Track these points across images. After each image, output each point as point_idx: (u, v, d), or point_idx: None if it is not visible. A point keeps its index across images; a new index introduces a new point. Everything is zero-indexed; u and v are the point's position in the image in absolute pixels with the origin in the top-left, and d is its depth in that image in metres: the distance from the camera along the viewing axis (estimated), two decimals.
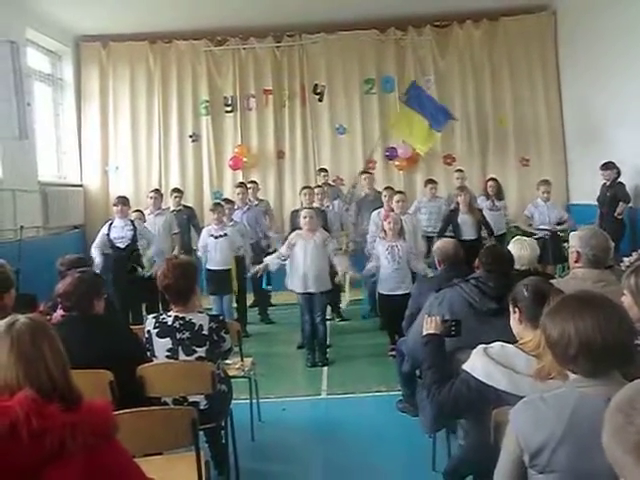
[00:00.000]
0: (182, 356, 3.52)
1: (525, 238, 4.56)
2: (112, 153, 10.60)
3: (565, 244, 6.91)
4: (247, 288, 8.07)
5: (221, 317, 3.83)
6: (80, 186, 10.42)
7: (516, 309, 2.60)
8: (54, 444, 1.61)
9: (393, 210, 7.23)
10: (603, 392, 1.70)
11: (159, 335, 3.56)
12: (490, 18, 10.49)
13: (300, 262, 6.32)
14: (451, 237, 6.97)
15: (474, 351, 2.51)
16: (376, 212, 7.72)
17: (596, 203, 8.08)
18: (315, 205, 7.53)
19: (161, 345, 3.54)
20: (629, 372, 1.81)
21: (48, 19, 9.26)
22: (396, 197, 7.37)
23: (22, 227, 7.47)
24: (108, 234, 7.29)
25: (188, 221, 8.75)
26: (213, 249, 7.19)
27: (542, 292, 2.51)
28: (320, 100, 10.62)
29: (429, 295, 3.83)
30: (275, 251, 7.10)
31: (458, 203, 7.99)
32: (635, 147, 7.78)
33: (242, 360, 4.60)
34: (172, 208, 8.59)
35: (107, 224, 7.50)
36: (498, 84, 10.53)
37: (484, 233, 7.96)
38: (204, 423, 3.26)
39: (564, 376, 1.93)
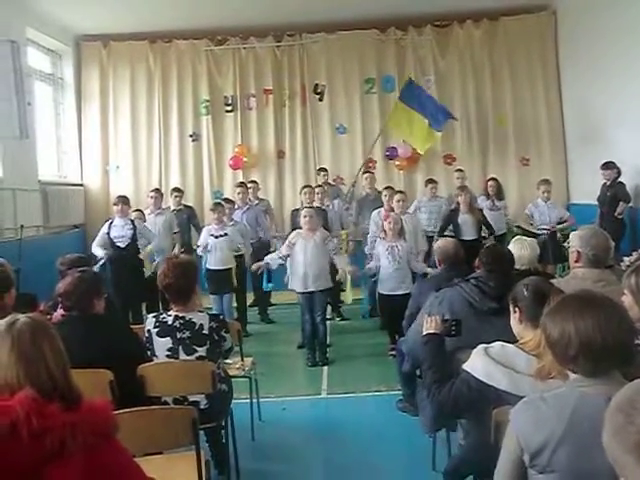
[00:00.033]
0: (182, 355, 3.52)
1: (525, 238, 4.56)
2: (112, 152, 10.60)
3: (565, 244, 6.91)
4: (247, 287, 8.07)
5: (221, 316, 3.83)
6: (80, 185, 10.42)
7: (516, 309, 2.60)
8: (54, 443, 1.61)
9: (393, 210, 7.24)
10: (603, 392, 1.70)
11: (159, 334, 3.56)
12: (490, 18, 10.49)
13: (300, 261, 6.32)
14: (451, 237, 6.98)
15: (474, 351, 2.51)
16: (376, 212, 7.72)
17: (596, 203, 8.08)
18: (315, 204, 7.54)
19: (161, 344, 3.54)
20: (629, 372, 1.81)
21: (48, 18, 9.26)
22: (396, 197, 7.37)
23: (22, 226, 7.47)
24: (108, 233, 7.31)
25: (188, 220, 8.76)
26: (213, 249, 7.19)
27: (542, 292, 2.51)
28: (320, 100, 10.62)
29: (429, 295, 3.83)
30: (275, 250, 7.12)
31: (459, 203, 7.99)
32: (635, 147, 7.78)
33: (242, 360, 4.60)
34: (172, 208, 8.59)
35: (107, 223, 7.51)
36: (498, 84, 10.53)
37: (484, 233, 7.97)
38: (204, 423, 3.26)
39: (564, 376, 1.93)
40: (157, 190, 8.65)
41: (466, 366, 2.50)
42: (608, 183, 7.89)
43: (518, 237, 4.61)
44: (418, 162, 10.47)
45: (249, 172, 10.45)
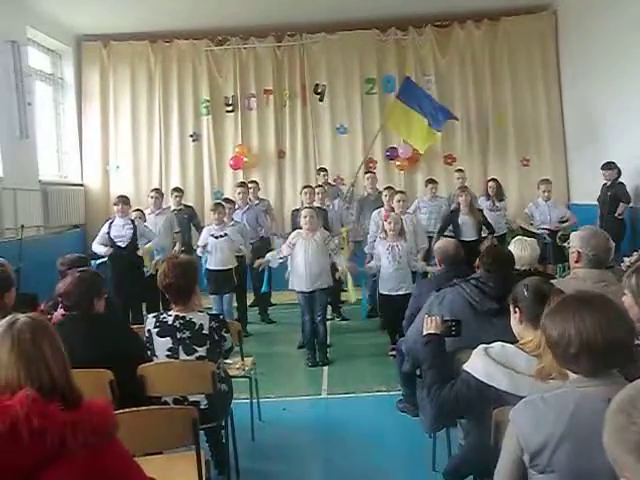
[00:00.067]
0: (182, 355, 3.52)
1: (526, 238, 4.56)
2: (113, 152, 10.61)
3: (565, 244, 6.92)
4: (247, 288, 8.07)
5: (221, 316, 3.83)
6: (81, 185, 10.43)
7: (516, 309, 2.60)
8: (54, 443, 1.61)
9: (393, 210, 7.24)
10: (604, 392, 1.70)
11: (159, 334, 3.56)
12: (491, 18, 10.50)
13: (301, 261, 6.32)
14: (451, 237, 6.99)
15: (474, 351, 2.51)
16: (376, 212, 7.73)
17: (596, 203, 8.08)
18: (316, 204, 7.54)
19: (161, 344, 3.54)
20: (630, 372, 1.81)
21: (49, 18, 9.27)
22: (397, 197, 7.37)
23: (23, 226, 7.48)
24: (109, 233, 7.31)
25: (189, 220, 8.77)
26: (213, 249, 7.19)
27: (542, 292, 2.51)
28: (321, 100, 10.63)
29: (429, 295, 3.83)
30: (275, 248, 7.14)
31: (459, 203, 7.99)
32: (635, 147, 7.77)
33: (242, 360, 4.60)
34: (173, 207, 8.59)
35: (107, 223, 7.51)
36: (499, 84, 10.54)
37: (485, 233, 7.96)
38: (204, 423, 3.26)
39: (564, 376, 1.93)
40: (157, 190, 8.65)
41: (466, 366, 2.50)
42: (608, 183, 7.90)
43: (519, 237, 4.61)
44: (418, 162, 10.48)
45: (249, 172, 10.46)
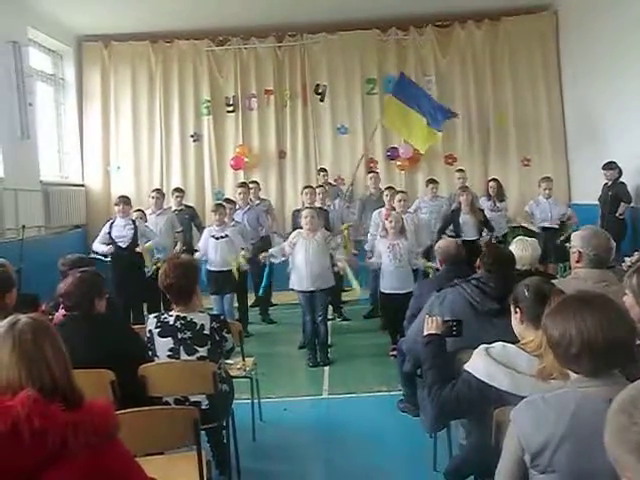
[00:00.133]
0: (183, 356, 3.53)
1: (527, 238, 4.56)
2: (114, 153, 10.61)
3: (567, 244, 6.92)
4: (248, 288, 8.07)
5: (222, 317, 3.83)
6: (82, 186, 10.43)
7: (517, 309, 2.60)
8: (56, 443, 1.61)
9: (394, 209, 7.25)
10: (604, 392, 1.70)
11: (161, 335, 3.56)
12: (491, 18, 10.49)
13: (302, 261, 6.33)
14: (452, 237, 7.00)
15: (475, 351, 2.51)
16: (377, 212, 7.74)
17: (597, 203, 8.08)
18: (317, 205, 7.54)
19: (162, 345, 3.55)
20: (631, 372, 1.81)
21: (50, 19, 9.27)
22: (398, 196, 7.39)
23: (24, 227, 7.48)
24: (110, 233, 7.32)
25: (190, 220, 8.78)
26: (214, 250, 7.18)
27: (543, 292, 2.51)
28: (321, 100, 10.63)
29: (430, 295, 3.83)
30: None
31: (460, 203, 7.99)
32: (636, 147, 7.77)
33: (243, 360, 4.60)
34: (174, 208, 8.60)
35: (108, 223, 7.52)
36: (499, 84, 10.53)
37: (485, 233, 7.96)
38: (206, 423, 3.26)
39: (565, 376, 1.93)
40: (158, 190, 8.66)
41: (467, 366, 2.50)
42: (609, 183, 7.89)
43: (519, 237, 4.60)
44: (419, 162, 10.48)
45: (250, 172, 10.46)
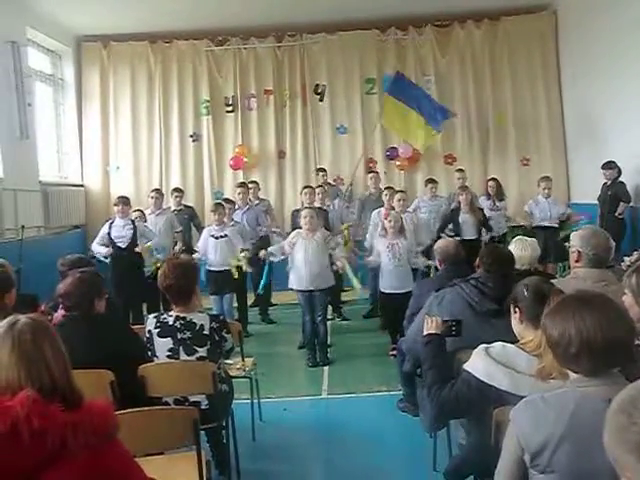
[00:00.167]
0: (183, 356, 3.53)
1: (526, 238, 4.56)
2: (113, 153, 10.61)
3: (566, 244, 6.93)
4: (247, 288, 8.06)
5: (222, 317, 3.83)
6: (81, 186, 10.43)
7: (516, 309, 2.60)
8: (55, 444, 1.61)
9: (393, 209, 7.25)
10: (604, 392, 1.70)
11: (160, 335, 3.56)
12: (491, 18, 10.49)
13: (301, 261, 6.33)
14: (452, 237, 7.00)
15: (475, 351, 2.51)
16: (376, 211, 7.75)
17: (597, 202, 8.08)
18: (316, 205, 7.54)
19: (162, 345, 3.55)
20: (631, 372, 1.81)
21: (49, 19, 9.27)
22: (397, 196, 7.40)
23: (23, 227, 7.47)
24: (109, 233, 7.32)
25: (189, 220, 8.77)
26: (213, 249, 7.18)
27: (542, 292, 2.51)
28: (321, 100, 10.63)
29: (430, 295, 3.83)
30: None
31: (459, 202, 8.00)
32: (635, 146, 7.78)
33: (243, 360, 4.60)
34: (173, 208, 8.60)
35: (108, 223, 7.52)
36: (499, 84, 10.54)
37: (484, 233, 7.97)
38: (205, 423, 3.26)
39: (565, 376, 1.93)
40: (158, 190, 8.65)
41: (467, 366, 2.50)
42: (609, 183, 7.90)
43: (519, 237, 4.60)
44: (418, 162, 10.49)
45: (249, 172, 10.46)
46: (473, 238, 7.69)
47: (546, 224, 8.22)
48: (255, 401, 4.74)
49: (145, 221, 7.93)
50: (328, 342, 6.73)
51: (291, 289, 6.63)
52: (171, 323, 3.56)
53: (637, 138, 7.73)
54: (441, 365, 2.74)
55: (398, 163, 10.48)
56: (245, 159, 10.44)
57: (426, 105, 9.24)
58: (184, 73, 10.64)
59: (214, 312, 5.18)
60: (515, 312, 2.61)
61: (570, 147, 10.37)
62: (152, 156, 10.63)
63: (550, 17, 10.46)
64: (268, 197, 9.80)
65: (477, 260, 3.68)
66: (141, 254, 7.33)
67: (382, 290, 6.51)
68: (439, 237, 7.13)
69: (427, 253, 6.97)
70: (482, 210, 8.17)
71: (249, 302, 8.24)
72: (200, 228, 8.36)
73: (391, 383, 5.48)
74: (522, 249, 4.27)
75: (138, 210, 8.20)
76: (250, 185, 8.87)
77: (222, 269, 7.15)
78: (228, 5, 9.25)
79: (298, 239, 6.42)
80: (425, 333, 2.91)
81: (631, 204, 7.79)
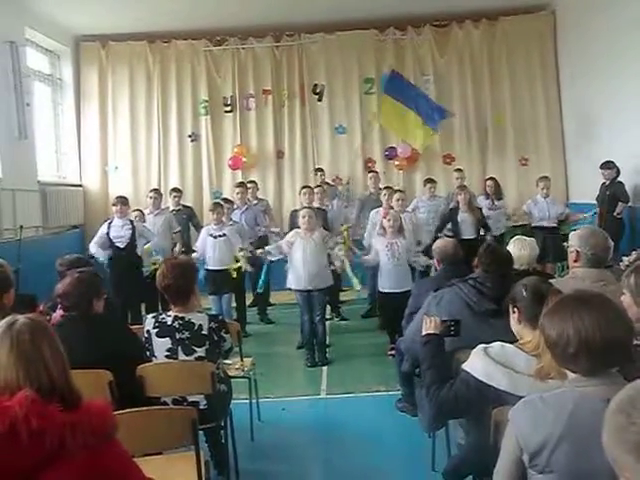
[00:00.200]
0: (181, 356, 3.52)
1: (525, 238, 4.56)
2: (111, 153, 10.60)
3: (565, 243, 6.93)
4: (246, 288, 8.06)
5: (220, 317, 3.83)
6: (79, 186, 10.43)
7: (515, 309, 2.60)
8: (54, 444, 1.61)
9: (392, 208, 7.25)
10: (602, 392, 1.70)
11: (158, 335, 3.56)
12: (489, 18, 10.50)
13: (299, 261, 6.32)
14: (450, 236, 7.00)
15: (474, 351, 2.52)
16: (374, 211, 7.75)
17: (595, 202, 8.09)
18: (315, 205, 7.53)
19: (160, 345, 3.54)
20: (629, 372, 1.81)
21: (47, 19, 9.26)
22: (396, 195, 7.42)
23: (22, 227, 7.47)
24: (108, 233, 7.31)
25: (188, 220, 8.76)
26: (212, 249, 7.18)
27: (541, 292, 2.51)
28: (319, 100, 10.62)
29: (428, 295, 3.83)
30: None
31: (458, 202, 8.01)
32: (634, 146, 7.79)
33: (242, 360, 4.60)
34: (171, 208, 8.59)
35: (106, 223, 7.51)
36: (497, 84, 10.54)
37: (483, 232, 7.97)
38: (204, 423, 3.26)
39: (563, 376, 1.93)
40: (156, 190, 8.65)
41: (465, 366, 2.50)
42: (607, 182, 7.90)
43: (517, 237, 4.60)
44: (417, 162, 10.49)
45: (248, 172, 10.46)
46: (472, 238, 7.69)
47: (545, 224, 8.22)
48: (254, 401, 4.74)
49: (144, 221, 7.92)
50: (327, 342, 6.72)
51: (289, 289, 6.63)
52: (169, 323, 3.56)
53: (635, 138, 7.74)
54: (440, 365, 2.74)
55: (397, 163, 10.48)
56: (244, 159, 10.44)
57: (423, 105, 9.26)
58: (182, 73, 10.63)
59: (213, 312, 5.18)
60: (514, 312, 2.61)
61: (569, 147, 10.38)
62: (150, 156, 10.63)
63: (548, 17, 10.47)
64: (267, 197, 9.79)
65: (475, 260, 3.68)
66: (139, 254, 7.33)
67: (381, 289, 6.50)
68: (438, 237, 7.13)
69: (427, 252, 6.97)
70: (481, 209, 8.18)
71: (248, 302, 8.24)
72: (199, 228, 8.35)
73: (390, 383, 5.48)
74: (521, 249, 4.28)
75: (137, 210, 8.20)
76: (249, 185, 8.87)
77: (220, 268, 7.15)
78: (226, 5, 9.25)
79: (296, 239, 6.42)
80: (424, 333, 2.91)
81: (630, 204, 7.79)
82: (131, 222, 7.42)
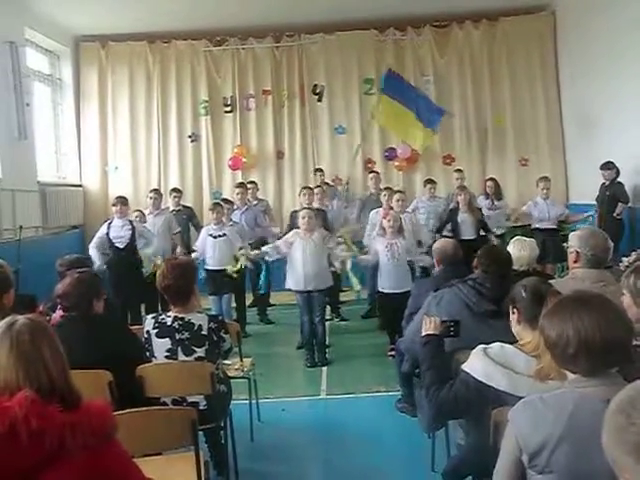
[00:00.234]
0: (181, 356, 3.52)
1: (525, 238, 4.56)
2: (111, 153, 10.61)
3: (565, 244, 6.93)
4: (246, 288, 8.06)
5: (220, 317, 3.83)
6: (79, 186, 10.43)
7: (515, 310, 2.60)
8: (53, 444, 1.61)
9: (392, 209, 7.26)
10: (602, 393, 1.70)
11: (158, 335, 3.55)
12: (489, 18, 10.50)
13: (299, 261, 6.32)
14: (450, 237, 6.99)
15: (473, 351, 2.51)
16: (374, 211, 7.76)
17: (595, 203, 8.09)
18: (315, 205, 7.53)
19: (160, 345, 3.54)
20: (629, 373, 1.81)
21: (47, 19, 9.26)
22: (396, 196, 7.42)
23: (21, 227, 7.46)
24: (107, 234, 7.31)
25: (187, 221, 8.76)
26: (212, 249, 7.18)
27: (540, 293, 2.51)
28: (319, 100, 10.63)
29: (428, 295, 3.83)
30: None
31: (458, 202, 8.01)
32: (633, 147, 7.79)
33: (241, 360, 4.60)
34: (171, 208, 8.59)
35: (106, 224, 7.50)
36: (497, 84, 10.54)
37: (483, 233, 7.97)
38: (203, 423, 3.26)
39: (563, 376, 1.93)
40: (156, 191, 8.64)
41: (465, 366, 2.50)
42: (607, 183, 7.90)
43: (517, 238, 4.61)
44: (417, 162, 10.49)
45: (248, 172, 10.46)
46: (471, 238, 7.69)
47: (545, 225, 8.21)
48: (253, 401, 4.74)
49: (145, 222, 7.92)
50: (326, 342, 6.72)
51: (289, 290, 6.63)
52: (169, 323, 3.56)
53: (635, 139, 7.74)
54: (439, 366, 2.74)
55: (397, 164, 10.49)
56: (244, 159, 10.44)
57: (423, 107, 9.26)
58: (182, 73, 10.64)
59: (213, 312, 5.18)
60: (513, 313, 2.61)
61: (568, 147, 10.38)
62: (150, 156, 10.63)
63: (548, 18, 10.47)
64: (267, 197, 9.79)
65: (475, 260, 3.68)
66: (139, 254, 7.33)
67: (380, 290, 6.50)
68: (437, 237, 7.12)
69: (429, 252, 6.99)
70: (481, 210, 8.18)
71: (247, 302, 8.24)
72: (199, 228, 8.34)
73: (389, 383, 5.48)
74: (520, 249, 4.28)
75: (138, 211, 8.20)
76: (249, 185, 8.87)
77: (220, 268, 7.15)
78: (226, 5, 9.26)
79: (296, 239, 6.41)
80: (423, 334, 2.91)
81: (629, 205, 7.79)
82: (131, 222, 7.42)
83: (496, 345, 2.49)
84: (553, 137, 10.46)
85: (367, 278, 7.74)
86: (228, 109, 10.61)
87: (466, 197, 7.94)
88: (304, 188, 7.88)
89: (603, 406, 1.32)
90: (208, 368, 3.44)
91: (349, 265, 6.84)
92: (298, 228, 6.54)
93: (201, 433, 3.28)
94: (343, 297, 8.44)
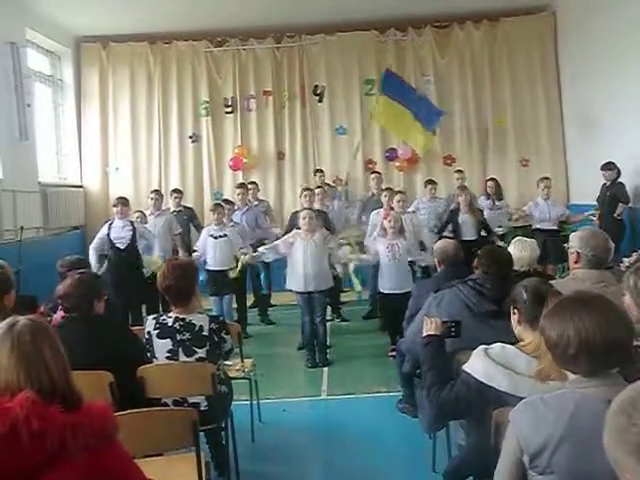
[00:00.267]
0: (182, 357, 3.52)
1: (526, 239, 4.56)
2: (112, 154, 10.61)
3: (565, 245, 6.92)
4: (247, 289, 8.06)
5: (221, 318, 3.83)
6: (80, 187, 10.43)
7: (515, 310, 2.60)
8: (54, 445, 1.61)
9: (393, 209, 7.26)
10: (603, 393, 1.70)
11: (159, 336, 3.56)
12: (490, 19, 10.51)
13: (300, 262, 6.32)
14: (451, 237, 6.99)
15: (474, 352, 2.51)
16: (375, 212, 7.76)
17: (596, 203, 8.08)
18: (316, 206, 7.53)
19: (161, 346, 3.54)
20: (630, 373, 1.81)
21: (48, 20, 9.27)
22: (396, 197, 7.42)
23: (22, 228, 7.46)
24: (108, 234, 7.30)
25: (188, 221, 8.76)
26: (213, 249, 7.18)
27: (541, 293, 2.51)
28: (320, 101, 10.63)
29: (429, 296, 3.83)
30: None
31: (459, 203, 8.00)
32: (634, 147, 7.78)
33: (242, 361, 4.59)
34: (172, 209, 8.59)
35: (107, 224, 7.50)
36: (498, 85, 10.55)
37: (484, 233, 7.96)
38: (204, 424, 3.26)
39: (564, 377, 1.93)
40: (157, 191, 8.64)
41: (466, 367, 2.50)
42: (608, 184, 7.90)
43: (518, 238, 4.60)
44: (418, 163, 10.49)
45: (249, 173, 10.46)
46: (472, 239, 7.68)
47: (545, 226, 8.20)
48: (254, 402, 4.74)
49: (146, 222, 7.92)
50: (327, 343, 6.72)
51: (290, 290, 6.63)
52: (170, 324, 3.56)
53: (636, 139, 7.74)
54: (440, 366, 2.74)
55: (397, 164, 10.49)
56: (244, 160, 10.44)
57: (422, 109, 9.26)
58: (183, 74, 10.64)
59: (214, 313, 5.18)
60: (514, 313, 2.61)
61: (569, 148, 10.38)
62: (151, 157, 10.64)
63: (549, 18, 10.48)
64: (267, 198, 9.80)
65: (475, 261, 3.68)
66: (140, 255, 7.33)
67: (381, 290, 6.50)
68: (438, 238, 7.12)
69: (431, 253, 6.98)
70: (481, 211, 8.17)
71: (248, 303, 8.24)
72: (200, 229, 8.34)
73: (390, 384, 5.48)
74: (521, 250, 4.28)
75: (139, 211, 8.20)
76: (249, 186, 8.88)
77: (221, 269, 7.15)
78: (227, 6, 9.26)
79: (297, 239, 6.41)
80: (424, 334, 2.91)
81: (630, 205, 7.79)
82: (132, 223, 7.42)
83: (497, 346, 2.48)
84: (554, 137, 10.46)
85: (368, 279, 7.74)
86: (229, 110, 10.62)
87: (467, 198, 7.93)
88: (305, 189, 7.86)
89: (604, 407, 1.32)
90: (209, 369, 3.44)
91: (352, 267, 6.84)
92: (298, 229, 6.54)
93: (202, 434, 3.28)
94: (344, 298, 8.44)
